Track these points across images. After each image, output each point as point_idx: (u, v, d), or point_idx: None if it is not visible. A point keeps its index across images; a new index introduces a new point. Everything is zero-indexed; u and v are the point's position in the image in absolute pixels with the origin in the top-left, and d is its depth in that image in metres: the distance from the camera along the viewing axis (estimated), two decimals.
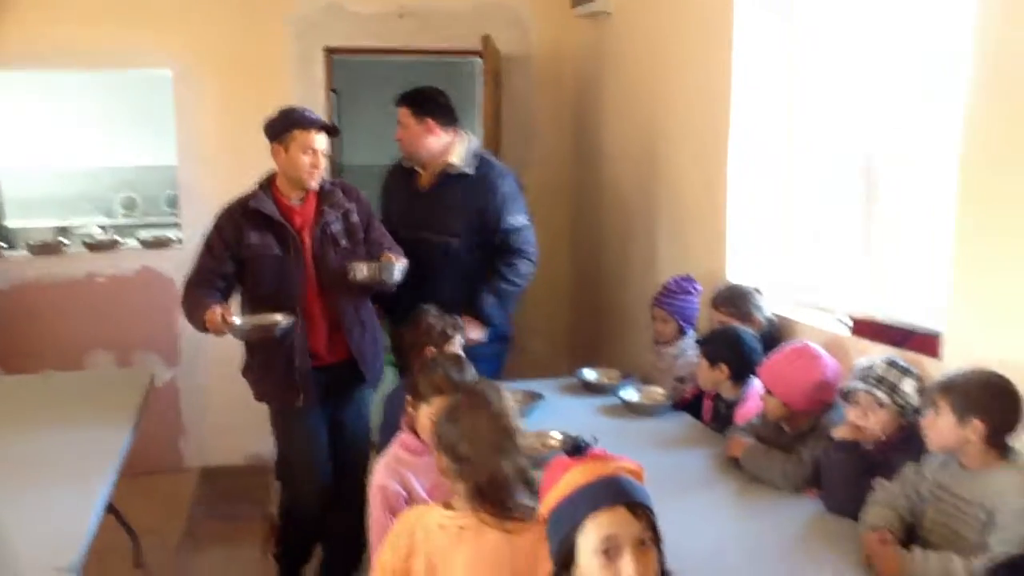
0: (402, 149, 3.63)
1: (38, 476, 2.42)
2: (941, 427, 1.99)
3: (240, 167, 4.55)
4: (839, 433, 2.30)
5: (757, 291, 3.15)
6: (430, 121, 3.49)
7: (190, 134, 4.72)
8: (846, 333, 2.85)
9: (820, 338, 2.89)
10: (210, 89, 4.69)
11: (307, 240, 3.10)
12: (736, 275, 3.51)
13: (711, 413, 2.99)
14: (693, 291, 3.38)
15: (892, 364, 2.27)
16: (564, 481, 1.43)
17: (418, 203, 3.58)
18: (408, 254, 3.19)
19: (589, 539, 1.38)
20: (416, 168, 3.62)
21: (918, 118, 2.75)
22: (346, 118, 7.62)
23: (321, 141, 3.08)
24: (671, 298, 3.37)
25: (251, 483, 3.34)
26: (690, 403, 3.10)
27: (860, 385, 2.26)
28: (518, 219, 3.54)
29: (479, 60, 4.94)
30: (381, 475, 2.25)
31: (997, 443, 1.96)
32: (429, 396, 2.20)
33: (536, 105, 5.23)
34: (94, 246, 4.74)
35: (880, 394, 2.22)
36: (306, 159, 3.05)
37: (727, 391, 2.90)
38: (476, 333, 3.37)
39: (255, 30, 4.72)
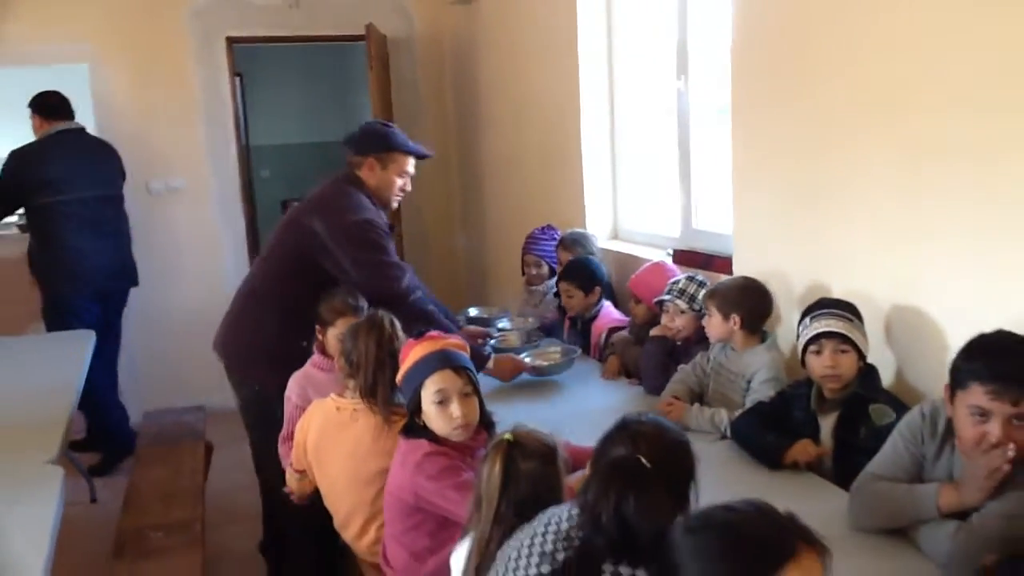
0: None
1: None
2: (713, 324, 2.62)
3: (154, 152, 4.97)
4: (654, 332, 2.92)
5: (593, 235, 3.75)
6: None
7: (108, 122, 5.05)
8: (669, 261, 3.48)
9: (638, 264, 3.49)
10: (123, 82, 5.03)
11: None
12: (592, 222, 4.12)
13: (569, 331, 3.58)
14: (555, 238, 3.96)
15: (691, 279, 2.89)
16: (411, 356, 2.00)
17: None
18: None
19: (428, 393, 1.95)
20: None
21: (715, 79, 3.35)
22: (251, 100, 7.93)
23: (413, 168, 3.13)
24: (538, 244, 3.94)
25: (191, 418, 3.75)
26: (551, 326, 3.68)
27: (668, 296, 2.87)
28: None
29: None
30: (290, 388, 2.74)
31: (754, 330, 2.59)
32: (333, 319, 2.67)
33: (421, 84, 5.75)
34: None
35: (682, 303, 2.84)
36: (399, 182, 3.08)
37: (586, 308, 3.48)
38: None
39: (160, 23, 5.10)
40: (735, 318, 2.56)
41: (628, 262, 3.75)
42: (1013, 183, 1.98)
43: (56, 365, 3.35)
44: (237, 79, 5.65)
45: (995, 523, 1.65)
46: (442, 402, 1.95)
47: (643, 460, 1.33)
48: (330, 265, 2.90)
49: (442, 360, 1.98)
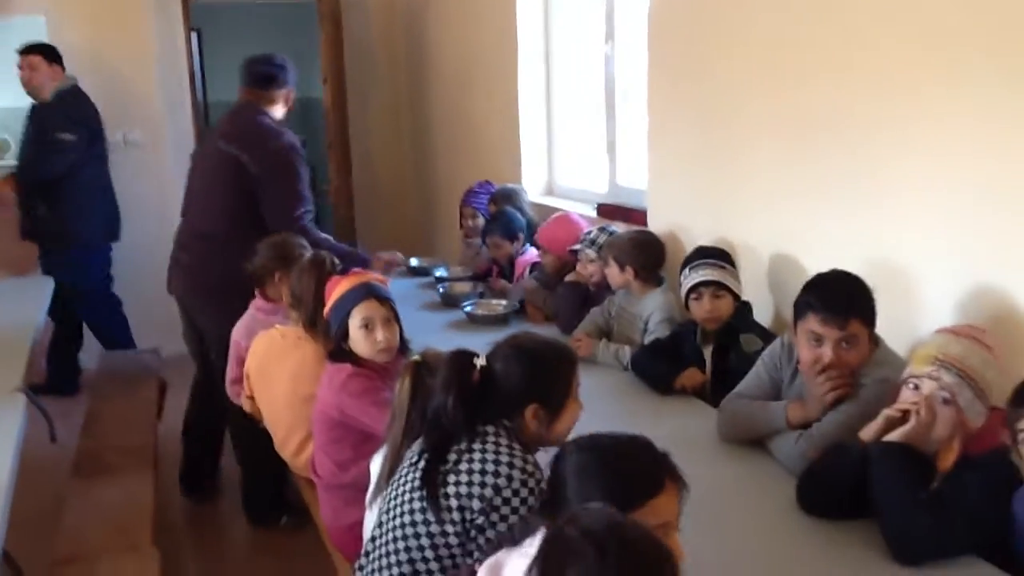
0: None
1: None
2: (612, 274, 2.90)
3: (112, 106, 5.07)
4: (568, 277, 3.18)
5: (523, 190, 3.98)
6: None
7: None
8: (594, 214, 3.74)
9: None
10: (80, 34, 5.13)
11: None
12: (528, 178, 4.36)
13: (498, 273, 3.85)
14: (490, 192, 4.19)
15: (602, 230, 3.15)
16: (338, 288, 2.24)
17: None
18: None
19: (355, 320, 2.19)
20: None
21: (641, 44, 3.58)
22: (209, 57, 7.98)
23: None
24: (477, 198, 4.18)
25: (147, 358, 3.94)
26: (484, 276, 3.94)
27: (580, 246, 3.14)
28: None
29: None
30: (237, 332, 2.96)
31: (649, 278, 2.87)
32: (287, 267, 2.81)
33: (374, 42, 5.91)
34: None
35: (591, 252, 3.10)
36: None
37: (512, 255, 3.75)
38: None
39: None
40: (629, 269, 2.84)
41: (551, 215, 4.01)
42: (870, 150, 2.25)
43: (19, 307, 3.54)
44: (194, 35, 5.75)
45: (829, 430, 1.94)
46: (367, 327, 2.20)
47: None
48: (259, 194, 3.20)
49: (367, 291, 2.23)
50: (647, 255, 2.87)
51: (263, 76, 3.42)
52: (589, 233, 3.15)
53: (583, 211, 3.80)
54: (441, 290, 3.70)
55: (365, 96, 5.88)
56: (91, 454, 2.90)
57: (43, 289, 3.89)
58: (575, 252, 3.16)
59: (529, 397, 1.61)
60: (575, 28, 4.16)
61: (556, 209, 4.05)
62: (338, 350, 2.24)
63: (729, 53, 2.80)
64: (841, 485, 1.74)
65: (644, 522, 1.07)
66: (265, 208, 3.22)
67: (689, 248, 3.00)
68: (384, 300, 2.24)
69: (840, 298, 1.95)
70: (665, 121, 3.22)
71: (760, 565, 1.67)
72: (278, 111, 3.45)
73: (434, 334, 3.09)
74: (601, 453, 1.29)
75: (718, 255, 2.60)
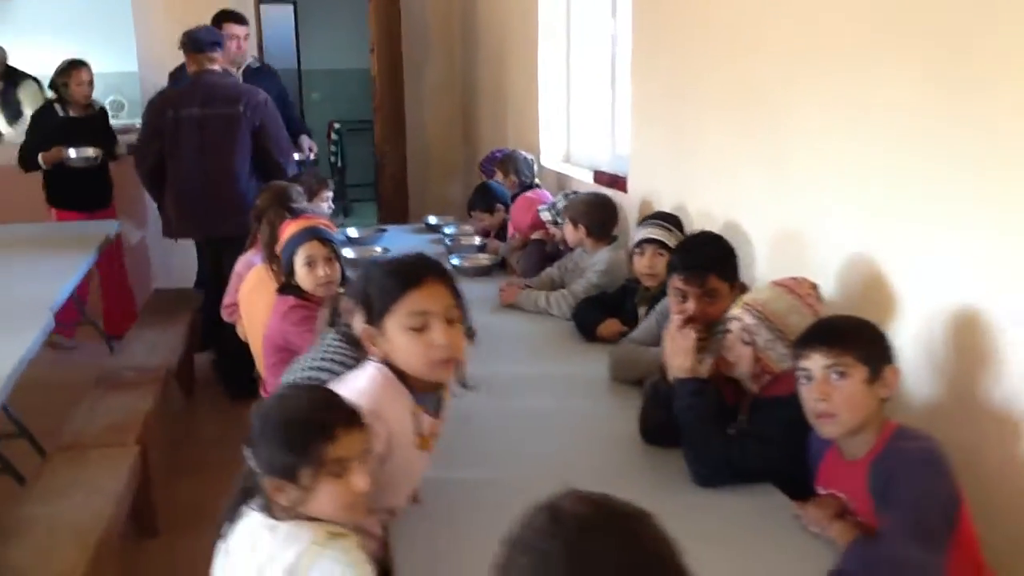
0: None
1: None
2: (568, 231, 3.12)
3: None
4: (534, 235, 3.42)
5: (527, 159, 4.15)
6: None
7: (150, 41, 5.59)
8: (591, 180, 3.94)
9: (579, 185, 3.99)
10: (159, 5, 5.58)
11: None
12: (546, 146, 4.59)
13: (494, 235, 4.07)
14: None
15: (566, 195, 3.36)
16: (288, 230, 2.55)
17: None
18: None
19: (299, 258, 2.49)
20: None
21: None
22: (304, 27, 8.47)
23: None
24: (486, 164, 4.44)
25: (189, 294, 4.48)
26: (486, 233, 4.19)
27: (544, 208, 3.37)
28: None
29: None
30: (239, 264, 3.23)
31: (601, 237, 3.07)
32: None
33: (430, 21, 6.24)
34: None
35: (548, 215, 3.33)
36: None
37: (497, 224, 4.01)
38: None
39: None
40: (582, 227, 3.06)
41: (566, 182, 4.24)
42: (796, 127, 2.35)
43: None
44: (292, 7, 6.15)
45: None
46: (310, 265, 2.50)
47: None
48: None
49: (311, 233, 2.54)
50: (598, 214, 3.07)
51: (215, 42, 4.10)
52: (557, 198, 3.37)
53: (586, 178, 4.02)
54: (448, 243, 3.99)
55: (420, 71, 6.21)
56: (114, 372, 3.34)
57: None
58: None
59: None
60: (592, 5, 4.33)
61: (573, 177, 4.27)
62: (286, 284, 2.57)
63: (694, 29, 2.93)
64: (657, 417, 1.95)
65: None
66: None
67: None
68: (326, 241, 2.54)
69: (698, 258, 2.13)
70: (644, 93, 3.39)
71: (599, 480, 1.87)
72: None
73: None
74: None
75: (667, 218, 2.76)
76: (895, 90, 1.92)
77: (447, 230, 4.26)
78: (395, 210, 6.00)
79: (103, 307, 5.05)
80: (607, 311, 2.82)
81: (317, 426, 1.36)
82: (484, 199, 4.01)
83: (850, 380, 1.57)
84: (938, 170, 1.80)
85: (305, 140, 4.92)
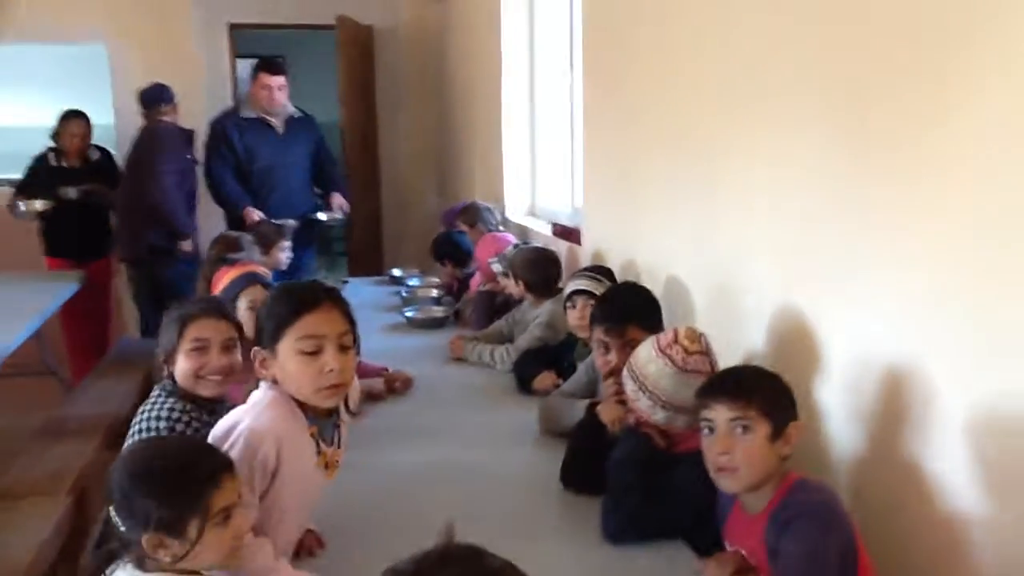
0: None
1: None
2: (510, 285, 3.15)
3: None
4: (483, 287, 3.43)
5: (489, 209, 4.19)
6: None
7: (126, 97, 5.70)
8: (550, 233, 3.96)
9: (540, 238, 4.01)
10: (137, 62, 5.71)
11: None
12: (511, 199, 4.63)
13: (457, 287, 4.09)
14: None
15: (516, 247, 3.37)
16: (227, 276, 2.58)
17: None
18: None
19: (243, 303, 2.50)
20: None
21: None
22: None
23: None
24: (447, 216, 4.46)
25: None
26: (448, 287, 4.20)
27: (494, 260, 3.38)
28: None
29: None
30: None
31: (542, 292, 3.07)
32: None
33: (404, 71, 6.33)
34: None
35: (499, 267, 3.34)
36: None
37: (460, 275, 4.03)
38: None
39: (168, 10, 5.75)
40: (521, 282, 3.07)
41: (529, 235, 4.25)
42: (725, 178, 2.34)
43: None
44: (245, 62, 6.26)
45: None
46: (252, 308, 2.43)
47: None
48: None
49: (251, 279, 2.60)
50: (539, 270, 3.09)
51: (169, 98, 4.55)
52: (507, 250, 3.39)
53: (545, 231, 4.04)
54: (404, 295, 4.00)
55: (394, 121, 6.30)
56: (60, 419, 3.32)
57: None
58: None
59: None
60: (552, 58, 4.41)
61: (533, 229, 4.30)
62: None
63: (637, 82, 2.95)
64: (578, 463, 1.95)
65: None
66: None
67: (607, 264, 3.20)
68: (263, 284, 2.56)
69: (618, 309, 2.14)
70: (595, 147, 3.42)
71: (518, 528, 1.86)
72: None
73: (373, 334, 3.40)
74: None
75: (599, 270, 2.77)
76: (808, 142, 1.94)
77: (411, 282, 4.26)
78: (368, 262, 6.02)
79: (68, 357, 5.03)
80: (546, 364, 2.81)
81: (204, 475, 1.32)
82: (438, 251, 4.05)
83: (753, 435, 1.55)
84: (849, 221, 1.80)
85: (336, 198, 4.80)
